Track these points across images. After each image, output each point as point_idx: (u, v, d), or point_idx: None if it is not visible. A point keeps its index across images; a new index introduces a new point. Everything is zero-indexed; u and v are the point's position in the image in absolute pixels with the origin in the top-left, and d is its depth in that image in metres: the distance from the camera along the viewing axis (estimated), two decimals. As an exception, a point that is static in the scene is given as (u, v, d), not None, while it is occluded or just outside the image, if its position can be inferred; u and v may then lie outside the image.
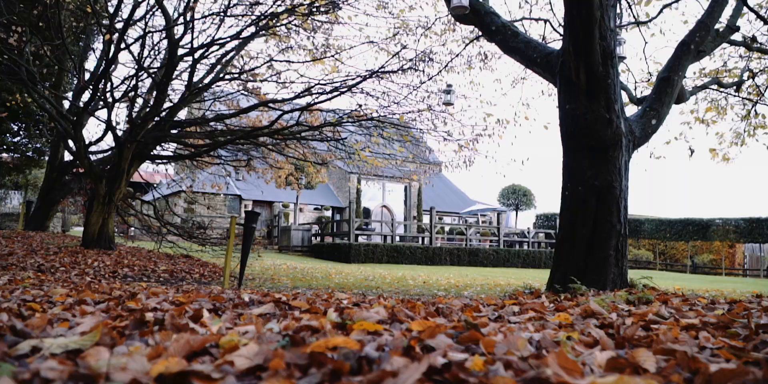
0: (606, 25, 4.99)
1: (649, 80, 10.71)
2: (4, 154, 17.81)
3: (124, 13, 10.77)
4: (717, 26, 6.71)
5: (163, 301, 2.61)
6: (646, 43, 9.08)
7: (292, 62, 11.38)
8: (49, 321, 1.52)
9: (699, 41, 6.01)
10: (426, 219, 28.79)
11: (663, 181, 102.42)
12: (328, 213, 29.05)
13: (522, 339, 1.39)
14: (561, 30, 8.98)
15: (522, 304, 3.00)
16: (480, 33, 9.78)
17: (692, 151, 10.76)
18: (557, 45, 7.14)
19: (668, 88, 5.85)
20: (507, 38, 6.17)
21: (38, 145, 17.62)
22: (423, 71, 10.95)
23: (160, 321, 1.59)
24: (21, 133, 17.39)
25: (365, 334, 1.51)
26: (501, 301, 3.12)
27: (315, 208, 28.60)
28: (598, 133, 5.05)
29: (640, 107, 6.40)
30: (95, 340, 1.19)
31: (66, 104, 14.79)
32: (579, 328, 1.94)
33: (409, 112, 11.06)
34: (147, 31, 9.93)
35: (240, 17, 10.61)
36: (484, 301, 3.30)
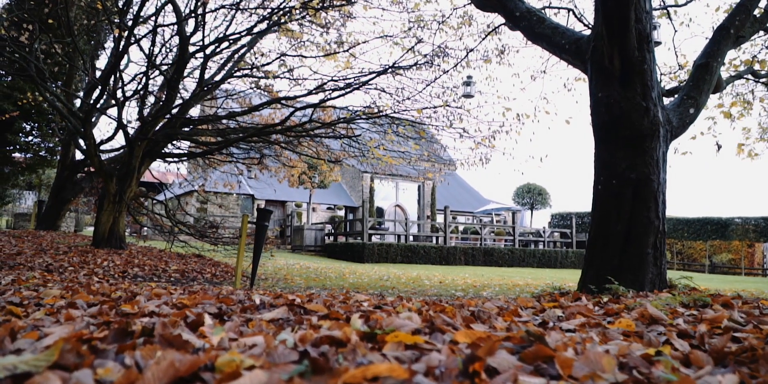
0: (642, 7, 4.64)
1: (675, 73, 10.28)
2: (17, 154, 17.76)
3: (135, 9, 10.57)
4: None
5: (164, 304, 2.32)
6: (675, 31, 8.67)
7: (305, 57, 11.13)
8: (11, 331, 1.23)
9: (739, 25, 5.62)
10: (440, 218, 28.41)
11: (680, 178, 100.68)
12: (341, 212, 28.76)
13: (606, 357, 1.08)
14: (585, 20, 8.61)
15: (564, 307, 2.68)
16: (498, 24, 9.44)
17: (719, 147, 10.34)
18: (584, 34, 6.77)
19: (706, 75, 5.46)
20: (532, 24, 5.82)
21: (51, 145, 17.54)
22: (438, 66, 10.63)
23: (149, 331, 1.30)
24: (33, 132, 17.32)
25: (402, 349, 1.21)
26: (540, 304, 2.80)
27: (328, 208, 28.33)
28: (634, 123, 4.69)
29: (675, 97, 6.02)
30: (52, 359, 0.90)
31: (77, 102, 14.67)
32: (650, 338, 1.62)
33: (425, 108, 10.74)
34: (157, 25, 9.70)
35: (253, 11, 10.37)
36: (519, 303, 2.98)
